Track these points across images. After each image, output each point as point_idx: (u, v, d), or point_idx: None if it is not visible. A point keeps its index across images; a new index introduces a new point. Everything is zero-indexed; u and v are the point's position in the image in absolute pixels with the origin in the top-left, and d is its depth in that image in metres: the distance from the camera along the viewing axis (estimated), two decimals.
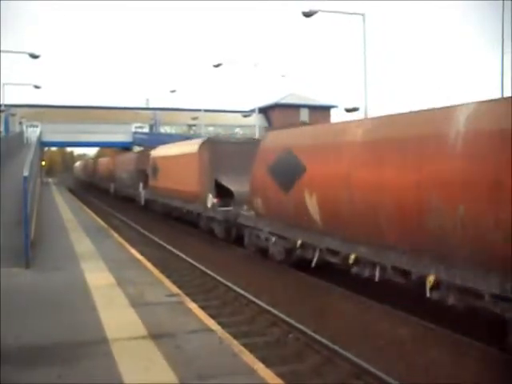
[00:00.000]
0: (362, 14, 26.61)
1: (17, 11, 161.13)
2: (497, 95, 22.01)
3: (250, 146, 18.54)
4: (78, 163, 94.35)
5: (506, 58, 24.90)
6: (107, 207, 36.32)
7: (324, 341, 8.41)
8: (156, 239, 20.14)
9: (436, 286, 8.71)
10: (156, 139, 52.16)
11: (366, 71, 27.22)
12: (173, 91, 57.39)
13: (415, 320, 9.52)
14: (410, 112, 10.35)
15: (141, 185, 32.81)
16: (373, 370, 7.21)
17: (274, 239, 14.53)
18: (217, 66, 42.09)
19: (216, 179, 19.97)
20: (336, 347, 8.10)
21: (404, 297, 10.28)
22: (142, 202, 32.68)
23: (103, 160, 56.69)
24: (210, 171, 20.39)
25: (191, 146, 23.00)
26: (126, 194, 38.73)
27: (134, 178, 35.03)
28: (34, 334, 7.34)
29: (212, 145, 21.21)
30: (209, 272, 13.93)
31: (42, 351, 6.63)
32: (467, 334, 8.51)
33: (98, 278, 10.83)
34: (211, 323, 7.90)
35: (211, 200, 19.84)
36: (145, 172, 31.82)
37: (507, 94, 21.83)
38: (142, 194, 32.56)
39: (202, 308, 9.10)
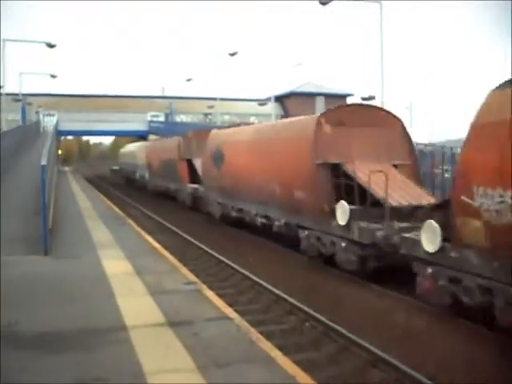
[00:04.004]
0: (379, 2, 26.36)
1: (33, 1, 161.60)
2: None
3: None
4: (132, 146, 51.96)
5: None
6: None
7: None
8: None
9: None
10: (172, 128, 52.28)
11: (383, 60, 26.99)
12: (188, 80, 57.47)
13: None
14: None
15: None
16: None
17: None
18: (232, 54, 42.03)
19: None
20: None
21: None
22: (188, 202, 27.09)
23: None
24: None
25: (302, 123, 15.51)
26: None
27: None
28: (53, 320, 7.38)
29: (336, 119, 13.82)
30: None
31: (61, 338, 6.67)
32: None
33: (115, 265, 10.90)
34: (228, 311, 7.92)
35: (346, 211, 12.20)
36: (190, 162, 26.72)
37: None
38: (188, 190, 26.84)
39: (219, 296, 9.12)
